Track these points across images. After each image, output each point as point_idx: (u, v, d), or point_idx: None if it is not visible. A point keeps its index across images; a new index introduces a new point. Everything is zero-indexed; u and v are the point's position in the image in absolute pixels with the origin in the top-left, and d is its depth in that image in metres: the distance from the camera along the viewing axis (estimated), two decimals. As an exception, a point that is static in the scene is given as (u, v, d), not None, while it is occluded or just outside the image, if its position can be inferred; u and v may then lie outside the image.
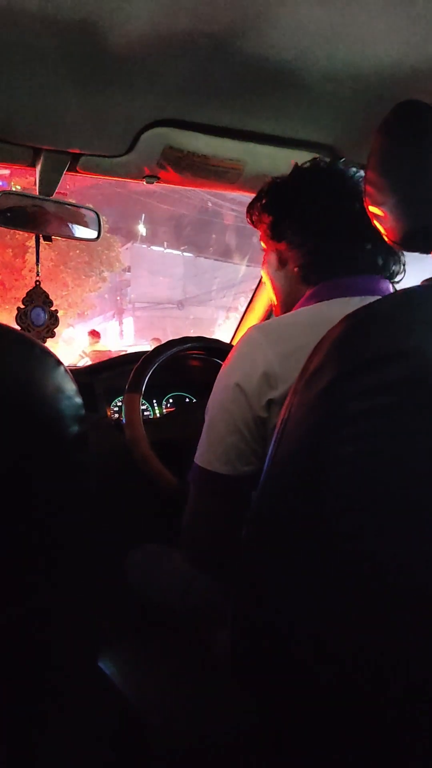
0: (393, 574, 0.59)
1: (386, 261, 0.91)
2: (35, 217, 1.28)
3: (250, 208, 1.02)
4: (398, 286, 0.95)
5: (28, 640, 0.63)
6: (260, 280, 1.69)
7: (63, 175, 1.23)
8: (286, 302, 0.99)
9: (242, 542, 0.74)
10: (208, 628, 0.91)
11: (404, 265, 0.95)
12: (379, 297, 0.83)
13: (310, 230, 0.91)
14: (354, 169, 0.95)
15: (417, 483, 0.59)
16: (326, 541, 0.59)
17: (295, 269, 0.94)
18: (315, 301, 0.88)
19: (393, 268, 0.92)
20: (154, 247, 18.66)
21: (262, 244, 1.03)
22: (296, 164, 0.99)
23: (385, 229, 0.73)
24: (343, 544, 0.59)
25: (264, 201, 0.99)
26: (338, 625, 0.60)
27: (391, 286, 0.93)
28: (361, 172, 0.92)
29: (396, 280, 0.94)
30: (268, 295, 1.08)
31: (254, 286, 1.82)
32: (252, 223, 1.02)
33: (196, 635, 0.94)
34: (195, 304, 18.17)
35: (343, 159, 1.01)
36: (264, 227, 0.99)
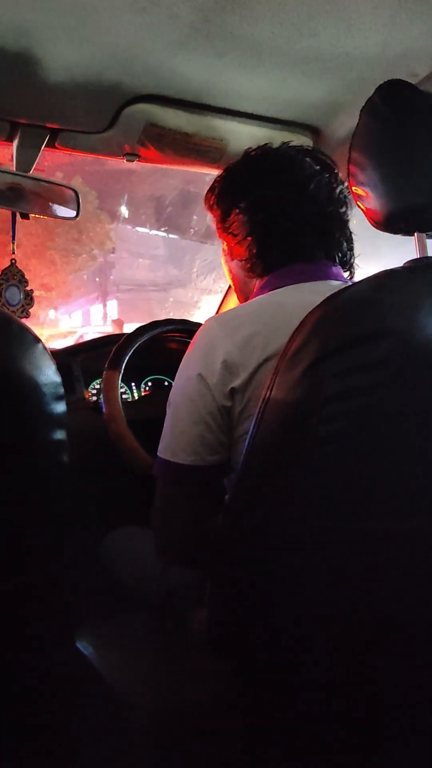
0: (371, 549, 0.60)
1: (332, 246, 0.91)
2: (11, 194, 1.25)
3: (206, 197, 1.01)
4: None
5: (4, 619, 0.62)
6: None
7: (41, 151, 1.20)
8: (243, 291, 0.99)
9: (221, 522, 0.74)
10: (184, 608, 0.91)
11: (353, 251, 0.95)
12: (331, 282, 0.85)
13: (254, 223, 0.91)
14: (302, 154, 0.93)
15: (397, 462, 0.59)
16: (306, 519, 0.60)
17: (243, 261, 0.93)
18: (268, 290, 0.89)
19: (341, 253, 0.92)
20: (138, 228, 18.40)
21: None
22: (244, 153, 0.97)
23: (367, 209, 0.73)
24: (322, 522, 0.59)
25: (215, 192, 0.98)
26: (320, 602, 0.61)
27: (342, 271, 0.93)
28: (308, 158, 0.91)
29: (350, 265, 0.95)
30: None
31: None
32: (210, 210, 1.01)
33: (173, 615, 0.94)
34: (176, 287, 18.03)
35: (291, 142, 0.98)
36: (215, 219, 0.98)
